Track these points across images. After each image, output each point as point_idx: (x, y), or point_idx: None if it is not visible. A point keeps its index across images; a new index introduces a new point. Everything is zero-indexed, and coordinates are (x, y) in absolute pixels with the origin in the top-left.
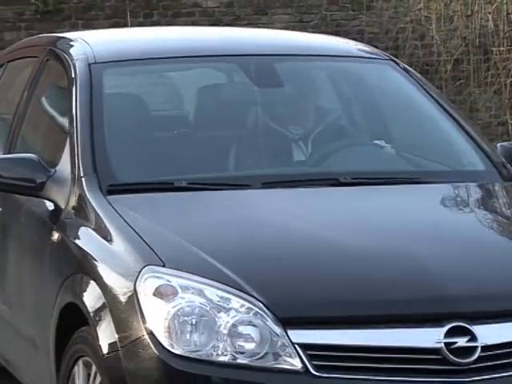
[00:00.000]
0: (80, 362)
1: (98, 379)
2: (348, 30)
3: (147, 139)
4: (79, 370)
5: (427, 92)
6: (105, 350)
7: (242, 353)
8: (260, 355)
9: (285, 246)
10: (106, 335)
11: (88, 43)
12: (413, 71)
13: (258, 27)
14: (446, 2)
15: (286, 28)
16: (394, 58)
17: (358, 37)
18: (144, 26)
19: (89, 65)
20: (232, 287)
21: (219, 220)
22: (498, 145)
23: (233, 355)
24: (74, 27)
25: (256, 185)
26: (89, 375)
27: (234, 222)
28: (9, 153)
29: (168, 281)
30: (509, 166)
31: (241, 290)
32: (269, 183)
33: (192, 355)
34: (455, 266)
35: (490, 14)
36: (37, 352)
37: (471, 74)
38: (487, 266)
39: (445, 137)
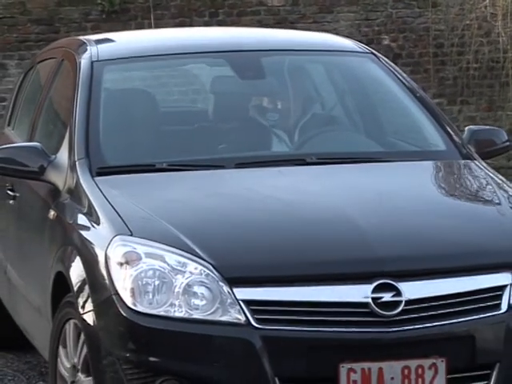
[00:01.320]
0: (69, 324)
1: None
2: (414, 28)
3: (137, 128)
4: (69, 331)
5: (402, 82)
6: (82, 310)
7: (196, 309)
8: (211, 311)
9: (237, 216)
10: (83, 297)
11: (96, 43)
12: (391, 63)
13: (323, 25)
14: None
15: (351, 26)
16: (373, 51)
17: (424, 34)
18: (209, 25)
19: (92, 62)
20: (188, 252)
21: (187, 195)
22: (466, 128)
23: (187, 311)
24: (139, 27)
25: (230, 165)
26: (78, 335)
27: (200, 196)
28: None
29: (134, 248)
30: (468, 146)
31: (195, 255)
32: (242, 164)
33: (152, 312)
34: (387, 230)
35: None
36: (41, 318)
37: None
38: (416, 231)
39: (413, 121)
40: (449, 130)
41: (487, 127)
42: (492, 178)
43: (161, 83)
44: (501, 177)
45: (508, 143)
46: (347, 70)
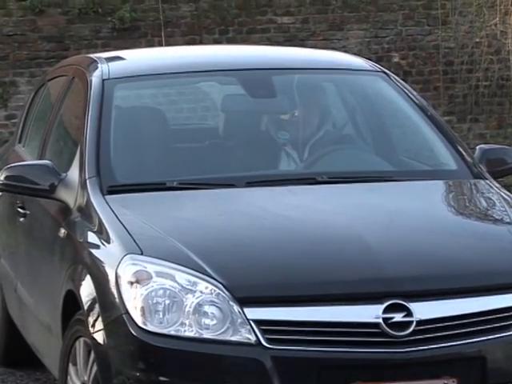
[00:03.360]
0: (79, 342)
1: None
2: (423, 45)
3: (148, 146)
4: (79, 349)
5: (413, 101)
6: (92, 328)
7: (206, 329)
8: (221, 330)
9: (247, 235)
10: (93, 316)
11: (107, 61)
12: (402, 82)
13: (333, 43)
14: None
15: (361, 44)
16: (385, 70)
17: (433, 51)
18: (219, 42)
19: (103, 80)
20: (199, 272)
21: (198, 214)
22: (477, 147)
23: (198, 331)
24: (150, 44)
25: (240, 184)
26: (88, 353)
27: (210, 215)
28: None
29: (144, 267)
30: (479, 165)
31: (205, 274)
32: (252, 183)
33: (163, 331)
34: (398, 250)
35: None
36: (51, 336)
37: None
38: (427, 250)
39: (425, 140)
40: (460, 149)
41: (498, 146)
42: (503, 197)
43: (172, 101)
44: None
45: None
46: (358, 89)
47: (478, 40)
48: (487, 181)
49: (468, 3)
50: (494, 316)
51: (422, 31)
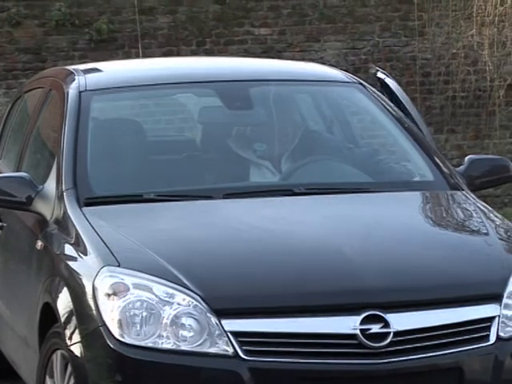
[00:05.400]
0: (56, 355)
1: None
2: (400, 56)
3: (125, 158)
4: (56, 361)
5: (389, 112)
6: (69, 341)
7: (184, 340)
8: (199, 342)
9: (225, 247)
10: (70, 328)
11: (84, 73)
12: (378, 93)
13: (310, 54)
14: (499, 28)
15: (338, 55)
16: (361, 81)
17: (410, 63)
18: (196, 54)
19: (79, 92)
20: (176, 284)
21: (175, 226)
22: (466, 158)
23: (175, 343)
24: (127, 56)
25: (218, 196)
26: (65, 365)
27: (188, 227)
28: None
29: (122, 279)
30: (457, 176)
31: (183, 286)
32: (230, 194)
33: (140, 344)
34: (375, 261)
35: None
36: (28, 348)
37: None
38: (404, 262)
39: (401, 151)
40: (437, 160)
41: (488, 156)
42: (480, 208)
43: (149, 113)
44: (488, 207)
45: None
46: (335, 100)
47: (454, 51)
48: (464, 192)
49: (445, 15)
50: (470, 327)
51: (399, 42)
